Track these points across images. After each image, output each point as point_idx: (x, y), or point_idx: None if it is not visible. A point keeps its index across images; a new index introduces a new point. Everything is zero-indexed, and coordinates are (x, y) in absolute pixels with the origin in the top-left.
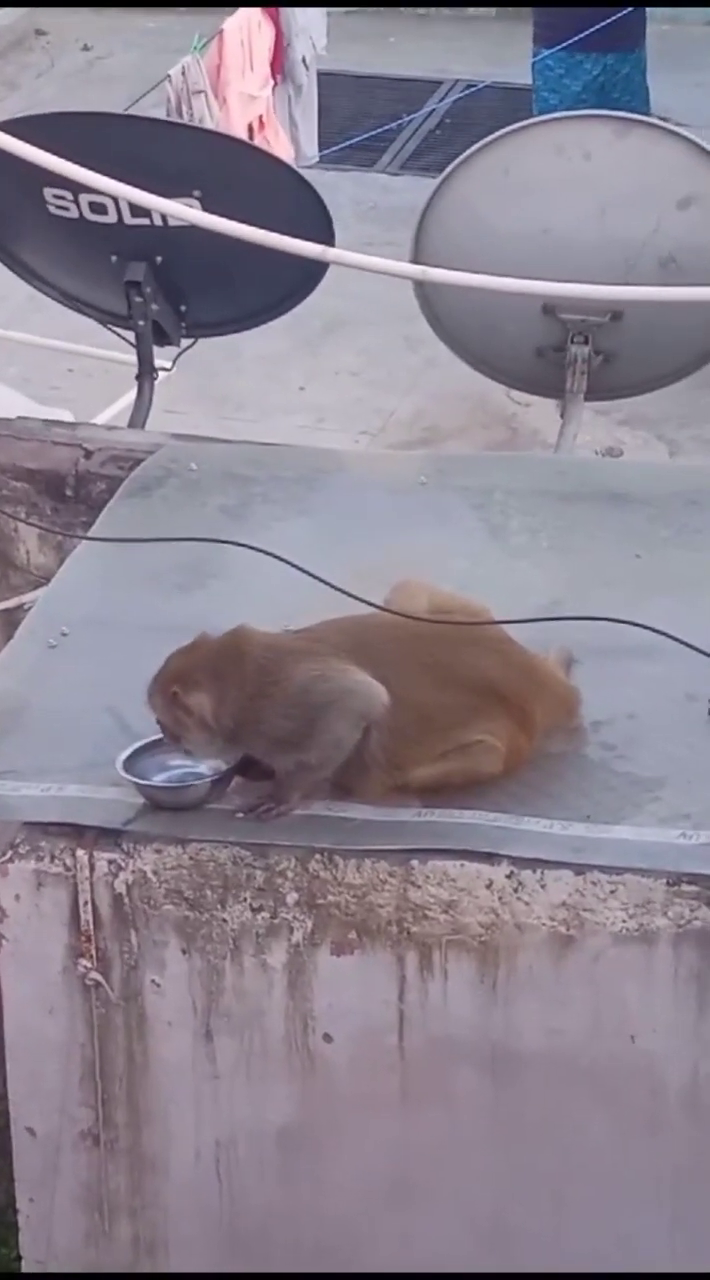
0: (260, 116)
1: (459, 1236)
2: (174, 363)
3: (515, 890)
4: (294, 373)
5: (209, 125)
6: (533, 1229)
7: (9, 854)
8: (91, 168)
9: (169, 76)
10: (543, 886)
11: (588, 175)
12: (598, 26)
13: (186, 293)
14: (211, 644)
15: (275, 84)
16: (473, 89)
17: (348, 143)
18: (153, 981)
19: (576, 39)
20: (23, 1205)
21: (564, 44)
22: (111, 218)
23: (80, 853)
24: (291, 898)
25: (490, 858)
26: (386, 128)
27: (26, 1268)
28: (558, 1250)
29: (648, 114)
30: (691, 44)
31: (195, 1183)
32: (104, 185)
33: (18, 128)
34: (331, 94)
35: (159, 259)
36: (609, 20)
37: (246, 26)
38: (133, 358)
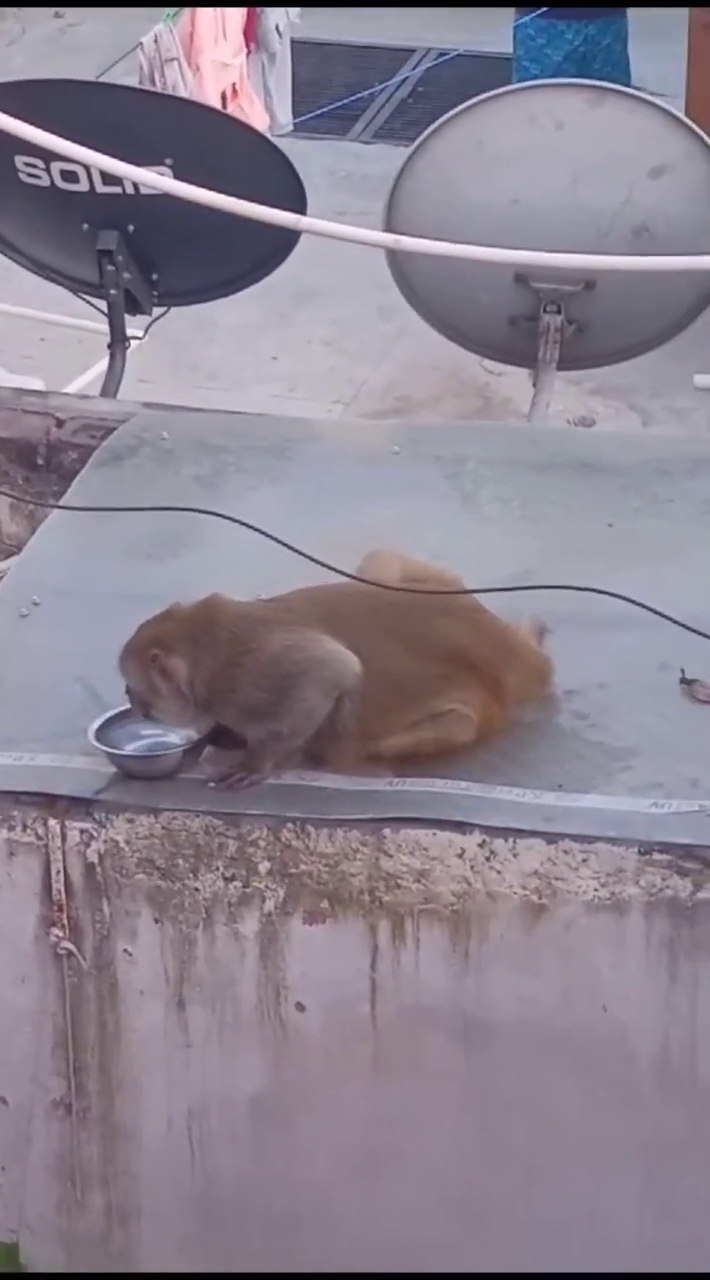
0: (233, 85)
1: (430, 1204)
2: (146, 331)
3: (487, 859)
4: (266, 342)
5: (182, 93)
6: (503, 1197)
7: None
8: (63, 136)
9: (141, 44)
10: (515, 855)
11: (560, 144)
12: None
13: (158, 261)
14: (184, 612)
15: (248, 52)
16: (445, 57)
17: (321, 111)
18: (125, 951)
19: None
20: None
21: (546, 10)
22: (83, 186)
23: (52, 822)
24: (264, 867)
25: (462, 827)
26: (359, 96)
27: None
28: (527, 1218)
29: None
30: (669, 13)
31: (168, 1151)
32: (76, 153)
33: None
34: (305, 62)
35: (131, 227)
36: None
37: None
38: (105, 326)
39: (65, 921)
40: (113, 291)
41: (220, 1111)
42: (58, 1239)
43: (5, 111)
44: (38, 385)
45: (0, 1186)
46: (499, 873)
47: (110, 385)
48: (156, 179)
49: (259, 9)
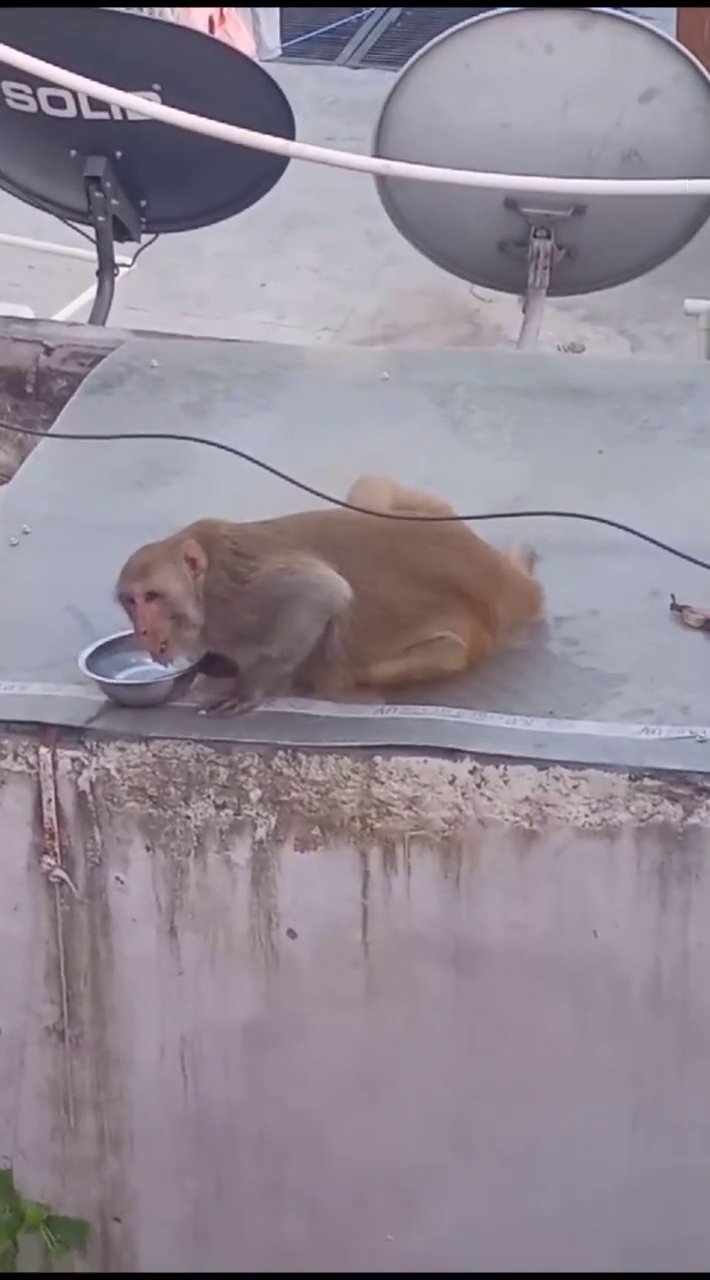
0: (221, 9)
1: (422, 1129)
2: (134, 259)
3: (478, 786)
4: (255, 269)
5: (169, 18)
6: (493, 1122)
7: None
8: (50, 61)
9: None
10: (506, 782)
11: (549, 68)
12: None
13: (147, 188)
14: (177, 535)
15: None
16: None
17: (309, 36)
18: (117, 879)
19: None
20: None
21: None
22: (70, 112)
23: (44, 750)
24: (255, 794)
25: (453, 753)
26: (347, 20)
27: None
28: (518, 1142)
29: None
30: None
31: (160, 1078)
32: (63, 79)
33: None
34: None
35: (119, 154)
36: None
37: None
38: (93, 254)
39: (57, 849)
40: (101, 218)
41: (212, 1038)
42: (51, 1165)
43: None
44: (26, 313)
45: None
46: (490, 799)
47: (99, 313)
48: (144, 104)
49: None
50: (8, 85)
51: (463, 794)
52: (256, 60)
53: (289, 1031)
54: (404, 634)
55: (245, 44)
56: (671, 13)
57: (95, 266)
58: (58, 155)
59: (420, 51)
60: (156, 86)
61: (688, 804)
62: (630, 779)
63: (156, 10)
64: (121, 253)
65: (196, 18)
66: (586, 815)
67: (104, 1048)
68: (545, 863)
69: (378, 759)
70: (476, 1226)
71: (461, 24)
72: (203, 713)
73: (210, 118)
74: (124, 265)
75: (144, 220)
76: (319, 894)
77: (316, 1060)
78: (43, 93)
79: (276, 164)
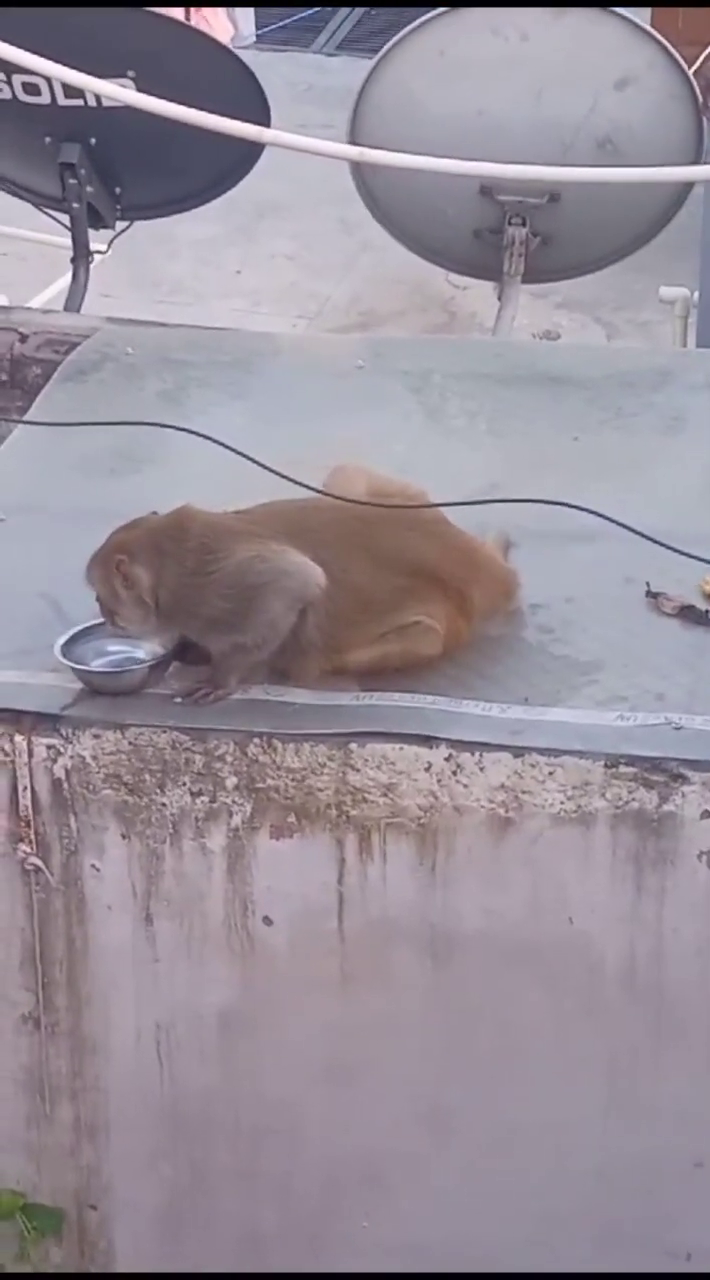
0: None
1: (397, 1115)
2: (109, 246)
3: (454, 773)
4: (229, 257)
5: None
6: (469, 1108)
7: None
8: (24, 47)
9: None
10: (481, 769)
11: (524, 56)
12: None
13: (121, 174)
14: (154, 522)
15: None
16: None
17: (284, 23)
18: (92, 866)
19: None
20: None
21: None
22: (45, 98)
23: (18, 738)
24: (230, 782)
25: (429, 741)
26: (322, 8)
27: None
28: (494, 1128)
29: None
30: None
31: (136, 1065)
32: (37, 65)
33: None
34: None
35: (93, 140)
36: None
37: None
38: (68, 240)
39: (32, 837)
40: (75, 205)
41: (188, 1025)
42: (26, 1152)
43: None
44: (0, 300)
45: None
46: (466, 786)
47: (73, 300)
48: (119, 91)
49: None
50: None
51: (438, 781)
52: (231, 47)
53: (264, 1018)
54: (379, 620)
55: (221, 30)
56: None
57: (70, 253)
58: (32, 142)
59: (395, 39)
60: (131, 73)
61: (663, 791)
62: (606, 766)
63: None
64: (96, 240)
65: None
66: (562, 802)
67: (80, 1035)
68: (521, 849)
69: (353, 746)
70: (452, 1211)
71: (436, 11)
72: (178, 700)
73: (185, 104)
74: (99, 252)
75: (119, 207)
76: (295, 881)
77: (292, 1047)
78: (17, 79)
79: (251, 151)
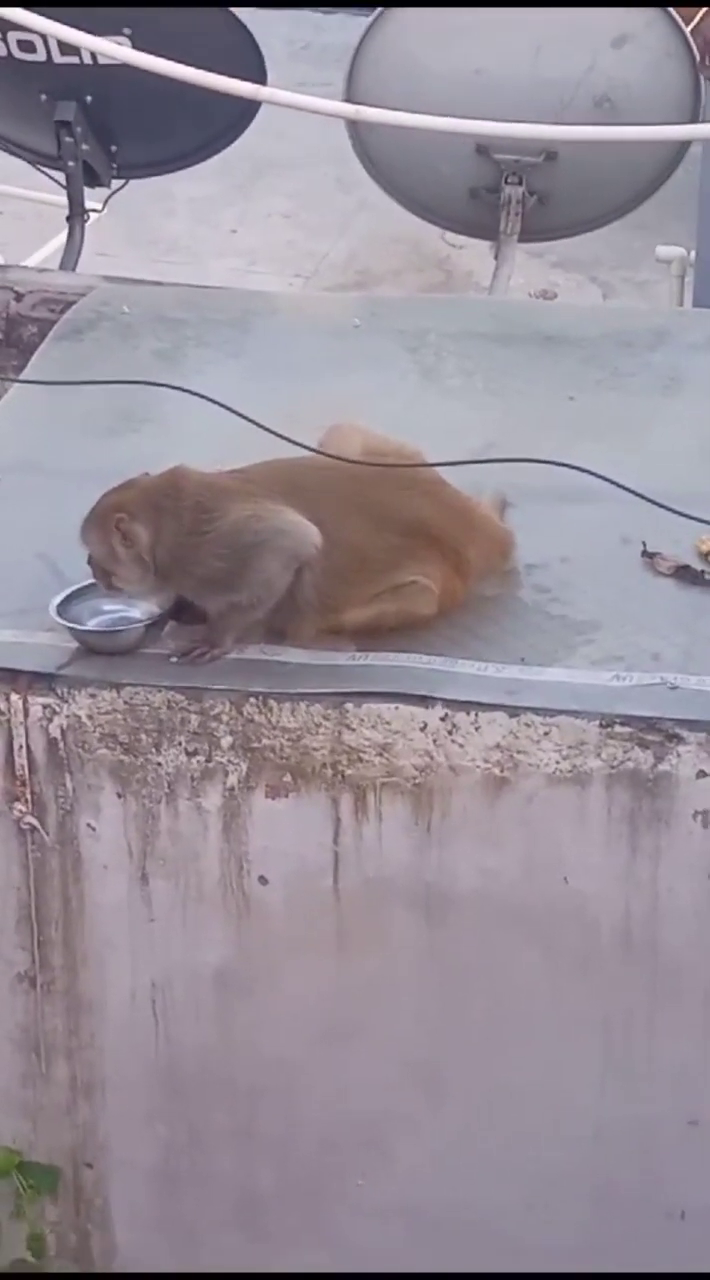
0: None
1: (392, 1075)
2: (105, 204)
3: (449, 733)
4: (225, 215)
5: None
6: (465, 1068)
7: None
8: (19, 4)
9: None
10: (477, 729)
11: (521, 14)
12: None
13: (117, 133)
14: (149, 481)
15: None
16: None
17: None
18: (88, 825)
19: None
20: None
21: None
22: (40, 56)
23: (14, 697)
24: (226, 741)
25: (424, 700)
26: None
27: None
28: (490, 1089)
29: None
30: None
31: (132, 1024)
32: (33, 22)
33: None
34: None
35: (89, 98)
36: None
37: None
38: (63, 199)
39: (28, 796)
40: (71, 163)
41: (184, 985)
42: (22, 1111)
43: None
44: None
45: None
46: (461, 746)
47: (69, 258)
48: (115, 49)
49: None
50: None
51: (434, 741)
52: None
53: (260, 978)
54: (375, 580)
55: None
56: None
57: (65, 212)
58: (27, 100)
59: None
60: (127, 30)
61: (658, 750)
62: (601, 725)
63: None
64: (92, 198)
65: None
66: (557, 762)
67: (75, 994)
68: (516, 809)
69: (349, 706)
70: (447, 1170)
71: None
72: (174, 660)
73: (181, 62)
74: (94, 211)
75: (114, 165)
76: (290, 840)
77: (287, 1006)
78: (12, 36)
79: (248, 109)
